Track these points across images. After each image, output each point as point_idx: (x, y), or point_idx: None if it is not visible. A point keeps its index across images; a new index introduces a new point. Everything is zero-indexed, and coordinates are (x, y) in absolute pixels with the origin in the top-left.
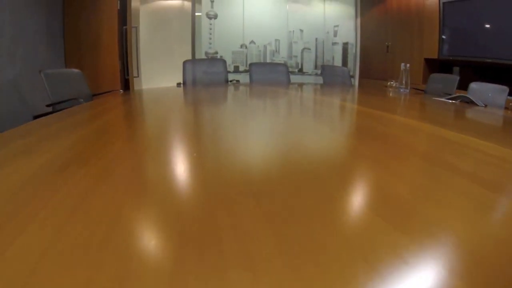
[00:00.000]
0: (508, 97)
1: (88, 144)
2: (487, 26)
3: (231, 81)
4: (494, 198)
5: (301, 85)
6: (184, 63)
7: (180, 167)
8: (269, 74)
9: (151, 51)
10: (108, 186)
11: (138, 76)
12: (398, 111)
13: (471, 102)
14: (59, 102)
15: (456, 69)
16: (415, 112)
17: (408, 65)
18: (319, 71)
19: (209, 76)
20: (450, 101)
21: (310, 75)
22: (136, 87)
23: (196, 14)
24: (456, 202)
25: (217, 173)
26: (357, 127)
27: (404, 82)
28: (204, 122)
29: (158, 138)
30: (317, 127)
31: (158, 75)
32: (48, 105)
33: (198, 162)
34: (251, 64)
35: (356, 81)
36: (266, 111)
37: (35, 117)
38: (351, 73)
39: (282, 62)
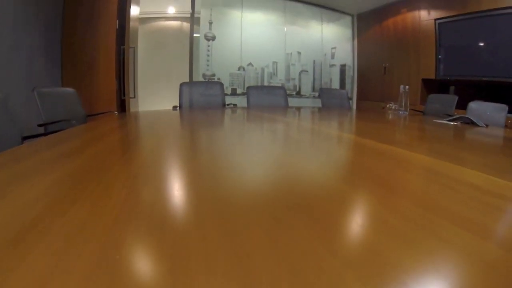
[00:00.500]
0: (508, 114)
1: (70, 187)
2: (483, 44)
3: (228, 104)
4: None
5: (299, 109)
6: (181, 85)
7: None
8: (266, 97)
9: (148, 72)
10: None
11: (134, 97)
12: (401, 141)
13: (472, 123)
14: (51, 123)
15: (452, 88)
16: (419, 143)
17: (407, 87)
18: (317, 94)
19: (206, 99)
20: (452, 123)
21: (308, 97)
22: (132, 109)
23: (194, 35)
24: None
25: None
26: (354, 169)
27: (403, 104)
28: (198, 153)
29: (150, 174)
30: (311, 170)
31: (155, 96)
32: (40, 125)
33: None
34: (248, 88)
35: (354, 104)
36: (258, 145)
37: (24, 138)
38: (349, 95)
39: (280, 84)
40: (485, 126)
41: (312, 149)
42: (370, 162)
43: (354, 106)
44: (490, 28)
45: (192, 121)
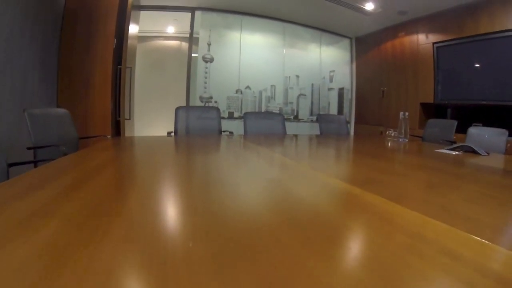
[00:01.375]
0: (508, 138)
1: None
2: (480, 68)
3: (224, 131)
4: None
5: (295, 138)
6: (177, 109)
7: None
8: (264, 124)
9: (145, 92)
10: None
11: (130, 119)
12: (407, 192)
13: (473, 151)
14: (39, 147)
15: (449, 111)
16: (429, 195)
17: (407, 113)
18: (314, 118)
19: (202, 124)
20: (453, 152)
21: (305, 121)
22: (127, 131)
23: (193, 55)
24: None
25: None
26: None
27: (403, 131)
28: (192, 191)
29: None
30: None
31: (151, 118)
32: (29, 148)
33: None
34: (245, 114)
35: (352, 127)
36: (251, 184)
37: (10, 165)
38: (347, 119)
39: (278, 108)
40: (486, 154)
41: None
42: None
43: (352, 130)
44: (488, 52)
45: (185, 154)
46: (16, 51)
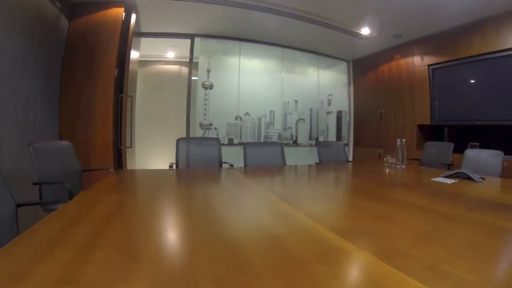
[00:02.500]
0: (505, 156)
1: None
2: (475, 88)
3: (225, 162)
4: None
5: (295, 171)
6: (178, 141)
7: None
8: (263, 154)
9: (145, 116)
10: None
11: (131, 147)
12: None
13: (468, 178)
14: (45, 183)
15: (446, 130)
16: (414, 249)
17: (404, 140)
18: (313, 142)
19: (203, 155)
20: (449, 181)
21: (304, 146)
22: (128, 158)
23: (193, 78)
24: None
25: None
26: None
27: (400, 158)
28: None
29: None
30: None
31: (152, 143)
32: (34, 183)
33: None
34: (245, 144)
35: (350, 150)
36: (245, 239)
37: (18, 206)
38: (346, 142)
39: (277, 134)
40: (481, 180)
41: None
42: None
43: (351, 153)
44: (481, 72)
45: (185, 198)
46: (19, 81)
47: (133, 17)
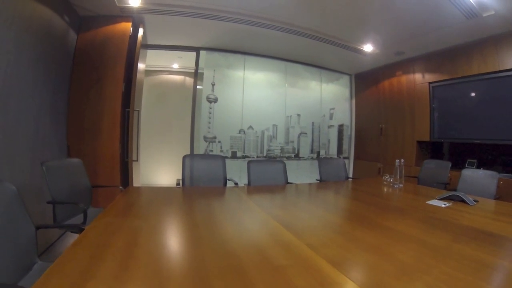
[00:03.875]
0: (501, 174)
1: None
2: (474, 108)
3: (229, 179)
4: None
5: (296, 191)
6: (184, 158)
7: None
8: (267, 172)
9: (150, 126)
10: None
11: (137, 160)
12: None
13: (462, 200)
14: (59, 203)
15: (445, 147)
16: (398, 284)
17: (402, 160)
18: (314, 155)
19: (208, 172)
20: (443, 204)
21: (306, 159)
22: (134, 172)
23: (198, 87)
24: None
25: None
26: None
27: (398, 177)
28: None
29: None
30: None
31: (157, 153)
32: (48, 202)
33: None
34: (249, 162)
35: (351, 163)
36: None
37: (38, 228)
38: (346, 155)
39: (279, 148)
40: (475, 203)
41: None
42: None
43: (352, 167)
44: (480, 92)
45: (196, 218)
46: (30, 98)
47: (141, 31)
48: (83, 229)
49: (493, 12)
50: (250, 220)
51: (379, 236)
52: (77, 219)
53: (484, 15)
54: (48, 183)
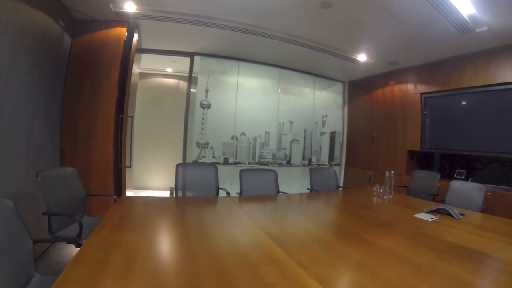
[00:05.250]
0: (488, 185)
1: None
2: (464, 120)
3: (221, 188)
4: None
5: (286, 202)
6: (177, 167)
7: None
8: (258, 181)
9: (144, 129)
10: None
11: (130, 166)
12: None
13: (449, 214)
14: (55, 214)
15: (435, 157)
16: None
17: (392, 172)
18: (306, 162)
19: (201, 181)
20: (430, 218)
21: (297, 166)
22: (127, 177)
23: (191, 90)
24: None
25: None
26: None
27: (388, 188)
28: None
29: None
30: None
31: (149, 160)
32: (44, 213)
33: None
34: (241, 171)
35: (342, 170)
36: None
37: (35, 242)
38: (337, 162)
39: (271, 154)
40: (461, 216)
41: None
42: None
43: (343, 174)
44: (471, 104)
45: (189, 231)
46: (24, 104)
47: (135, 36)
48: (80, 243)
49: (486, 28)
50: (242, 235)
51: (365, 253)
52: (72, 229)
53: (478, 30)
54: (43, 193)
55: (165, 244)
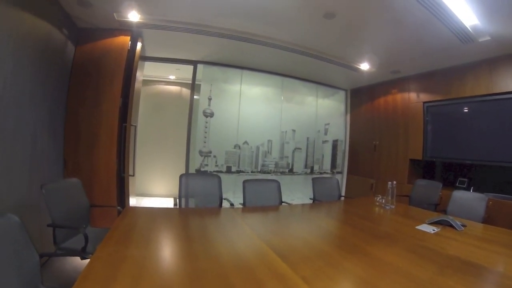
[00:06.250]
0: (490, 193)
1: None
2: (466, 128)
3: (224, 198)
4: None
5: (289, 212)
6: (181, 177)
7: None
8: (262, 192)
9: (146, 139)
10: None
11: (133, 175)
12: None
13: (451, 225)
14: (60, 227)
15: (437, 165)
16: None
17: (394, 182)
18: (308, 170)
19: (204, 191)
20: (432, 230)
21: (300, 174)
22: (130, 185)
23: (194, 97)
24: None
25: None
26: None
27: (390, 198)
28: None
29: None
30: None
31: (152, 167)
32: (49, 225)
33: None
34: (244, 182)
35: (344, 179)
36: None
37: (41, 256)
38: (339, 169)
39: (273, 163)
40: (462, 228)
41: None
42: None
43: (345, 182)
44: (473, 113)
45: (194, 245)
46: (28, 113)
47: (139, 45)
48: (85, 257)
49: (488, 38)
50: (247, 249)
51: (368, 268)
52: (77, 239)
53: (480, 40)
54: (48, 206)
55: (171, 259)
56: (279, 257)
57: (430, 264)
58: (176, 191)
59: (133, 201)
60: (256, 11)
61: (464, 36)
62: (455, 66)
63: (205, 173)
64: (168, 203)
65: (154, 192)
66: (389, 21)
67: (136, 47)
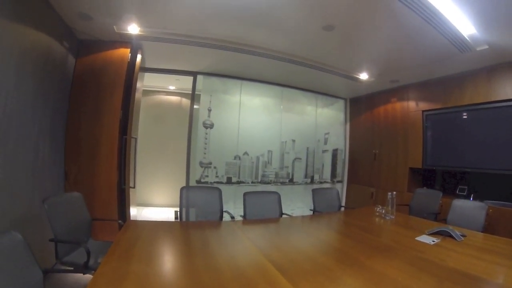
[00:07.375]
0: (490, 201)
1: None
2: (465, 137)
3: (225, 211)
4: None
5: (290, 224)
6: (181, 190)
7: None
8: (262, 204)
9: (146, 149)
10: None
11: (134, 187)
12: None
13: (451, 235)
14: (62, 241)
15: (437, 174)
16: None
17: (394, 193)
18: (308, 180)
19: (205, 204)
20: (432, 241)
21: (300, 184)
22: (131, 195)
23: (194, 107)
24: None
25: None
26: None
27: (390, 209)
28: None
29: None
30: None
31: (152, 178)
32: (51, 240)
33: None
34: (245, 194)
35: (344, 188)
36: None
37: (45, 273)
38: (340, 179)
39: (274, 173)
40: (462, 238)
41: None
42: None
43: (345, 191)
44: (472, 121)
45: (196, 262)
46: (30, 125)
47: (139, 57)
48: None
49: (486, 47)
50: (248, 265)
51: (368, 282)
52: (79, 253)
53: (478, 49)
54: (50, 220)
55: (172, 274)
56: (279, 271)
57: (430, 277)
58: (176, 201)
59: (133, 211)
60: (256, 24)
61: (461, 45)
62: (453, 74)
63: (205, 186)
64: (168, 212)
65: (154, 202)
66: (387, 32)
67: (136, 59)
